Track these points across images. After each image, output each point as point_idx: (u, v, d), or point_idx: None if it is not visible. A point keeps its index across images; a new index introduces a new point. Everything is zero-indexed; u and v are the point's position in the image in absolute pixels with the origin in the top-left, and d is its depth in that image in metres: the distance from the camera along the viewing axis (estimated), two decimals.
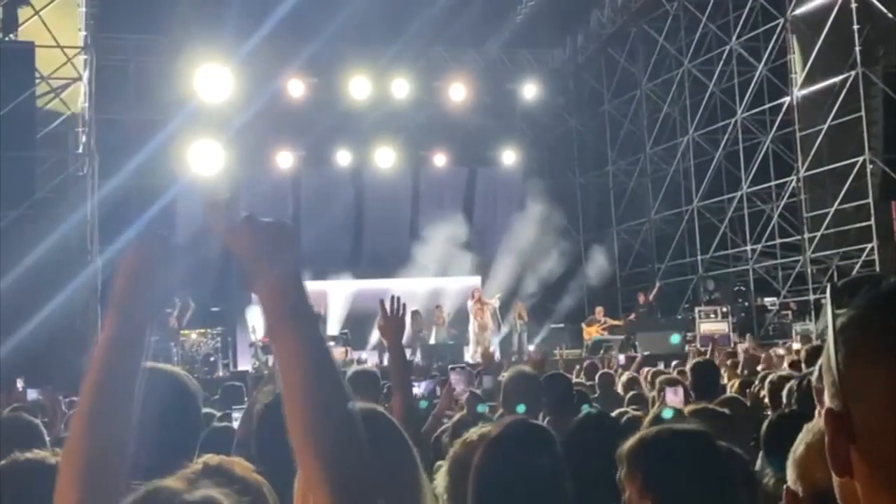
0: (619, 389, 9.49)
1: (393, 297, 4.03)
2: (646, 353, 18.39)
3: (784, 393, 5.76)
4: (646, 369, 11.18)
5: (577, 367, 12.79)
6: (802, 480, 1.76)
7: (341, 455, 1.40)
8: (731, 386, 6.86)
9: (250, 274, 1.44)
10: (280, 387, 1.42)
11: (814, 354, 5.89)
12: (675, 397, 5.56)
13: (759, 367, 9.93)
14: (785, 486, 1.81)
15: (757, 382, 6.82)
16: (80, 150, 18.62)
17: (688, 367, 8.72)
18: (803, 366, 7.24)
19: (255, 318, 18.10)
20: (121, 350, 1.53)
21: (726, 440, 3.24)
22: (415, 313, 20.59)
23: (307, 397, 1.39)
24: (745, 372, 8.99)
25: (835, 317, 1.01)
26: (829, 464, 1.01)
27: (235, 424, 5.27)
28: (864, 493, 0.97)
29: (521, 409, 4.34)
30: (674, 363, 12.98)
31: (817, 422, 1.84)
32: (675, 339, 16.06)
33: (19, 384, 10.44)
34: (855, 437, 0.98)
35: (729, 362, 11.30)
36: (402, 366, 3.96)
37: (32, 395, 7.23)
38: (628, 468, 2.49)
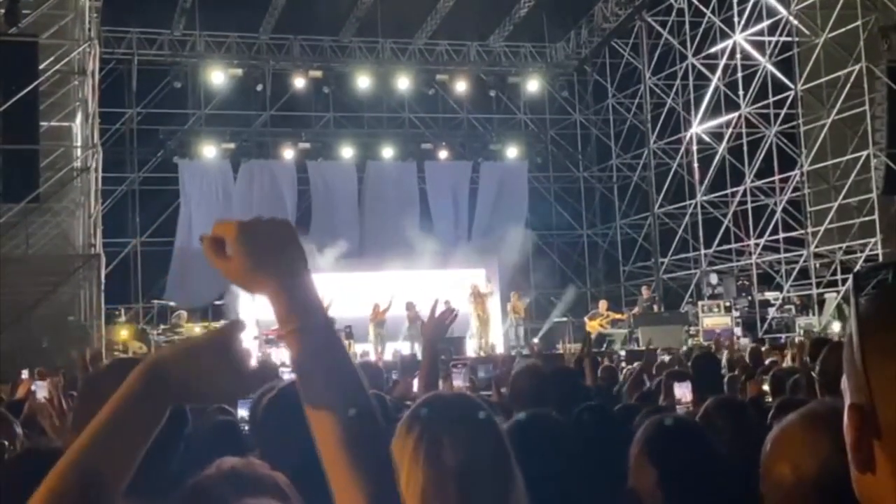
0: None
1: (437, 301, 4.33)
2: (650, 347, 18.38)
3: (788, 386, 5.73)
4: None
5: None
6: (768, 475, 1.73)
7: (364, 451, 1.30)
8: (735, 378, 6.84)
9: (250, 277, 1.32)
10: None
11: (818, 346, 5.86)
12: (684, 391, 5.51)
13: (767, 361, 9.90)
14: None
15: (757, 377, 6.78)
16: (84, 144, 18.60)
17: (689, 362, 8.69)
18: (807, 359, 7.21)
19: (259, 312, 18.08)
20: None
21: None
22: (409, 304, 20.58)
23: (326, 398, 1.30)
24: (751, 364, 8.96)
25: (858, 306, 0.98)
26: (851, 460, 0.99)
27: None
28: (888, 489, 0.95)
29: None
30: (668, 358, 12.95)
31: (791, 417, 1.80)
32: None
33: (24, 376, 10.41)
34: (880, 434, 0.95)
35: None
36: (430, 365, 4.14)
37: (41, 391, 7.14)
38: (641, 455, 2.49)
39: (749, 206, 22.78)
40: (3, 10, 16.77)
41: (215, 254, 1.31)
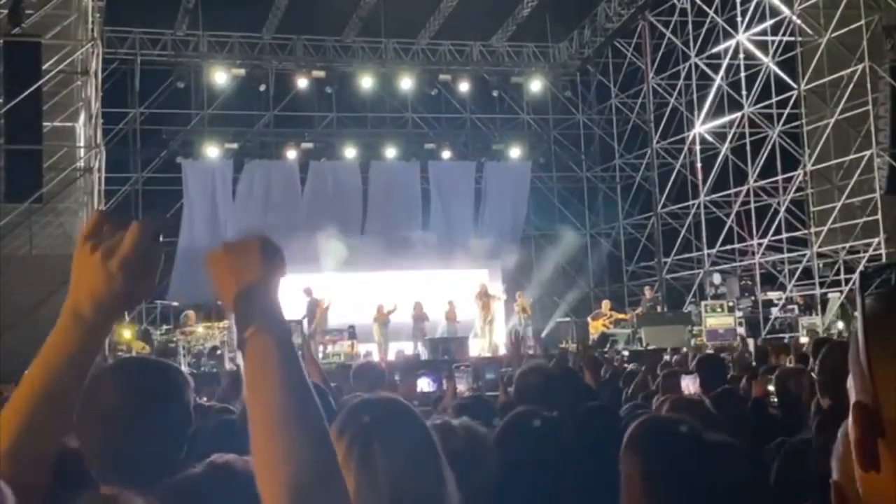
0: (622, 384, 9.46)
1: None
2: (651, 347, 18.43)
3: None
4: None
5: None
6: (845, 476, 1.73)
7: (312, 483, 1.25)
8: (741, 380, 6.84)
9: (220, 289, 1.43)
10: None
11: (820, 346, 5.86)
12: (690, 385, 5.51)
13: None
14: (832, 481, 1.78)
15: (761, 376, 6.77)
16: (87, 144, 18.60)
17: (694, 363, 8.69)
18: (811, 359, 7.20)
19: None
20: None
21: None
22: (417, 304, 20.60)
23: (275, 419, 1.28)
24: (755, 364, 8.96)
25: (864, 305, 0.97)
26: (855, 458, 0.99)
27: None
28: (892, 488, 0.95)
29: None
30: (675, 357, 12.96)
31: None
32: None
33: None
34: (884, 432, 0.95)
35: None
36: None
37: None
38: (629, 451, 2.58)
39: (752, 205, 22.76)
40: (6, 11, 16.79)
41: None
